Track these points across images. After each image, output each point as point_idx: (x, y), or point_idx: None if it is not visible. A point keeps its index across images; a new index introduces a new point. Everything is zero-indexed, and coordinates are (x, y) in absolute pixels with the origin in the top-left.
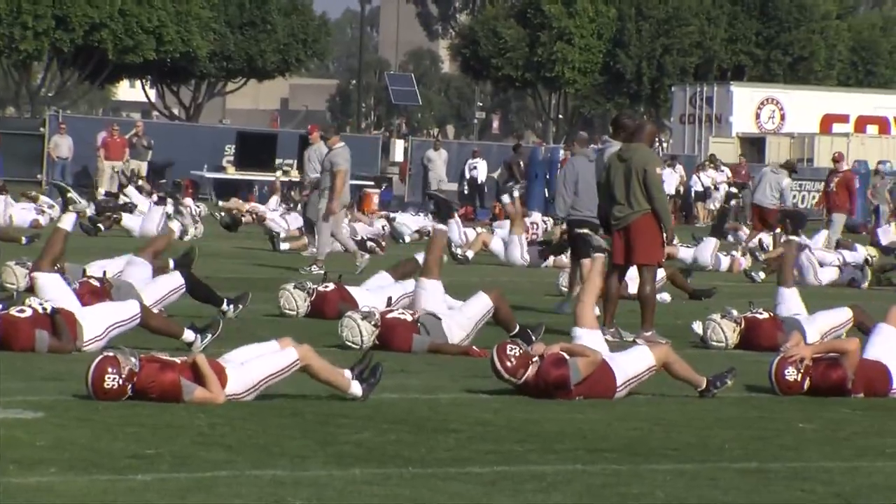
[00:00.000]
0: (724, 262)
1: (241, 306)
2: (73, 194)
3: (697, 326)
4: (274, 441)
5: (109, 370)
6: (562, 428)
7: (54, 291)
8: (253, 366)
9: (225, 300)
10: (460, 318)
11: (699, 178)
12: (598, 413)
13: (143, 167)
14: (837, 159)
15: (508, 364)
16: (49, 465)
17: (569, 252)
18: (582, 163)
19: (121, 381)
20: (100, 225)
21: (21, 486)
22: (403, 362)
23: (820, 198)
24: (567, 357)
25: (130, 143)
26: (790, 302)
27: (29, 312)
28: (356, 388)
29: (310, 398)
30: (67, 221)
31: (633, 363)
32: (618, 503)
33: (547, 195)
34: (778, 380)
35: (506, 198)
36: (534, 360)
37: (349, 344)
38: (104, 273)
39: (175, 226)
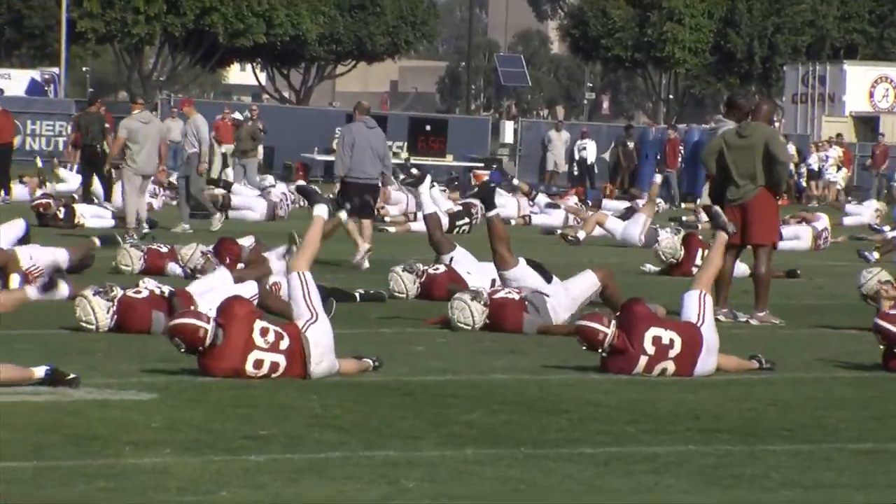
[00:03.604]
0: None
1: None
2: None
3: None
4: (386, 422)
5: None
6: (674, 408)
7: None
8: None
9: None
10: (565, 300)
11: (817, 156)
12: (711, 393)
13: (259, 151)
14: None
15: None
16: (164, 446)
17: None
18: None
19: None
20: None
21: (136, 466)
22: (513, 343)
23: None
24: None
25: (236, 125)
26: None
27: (146, 294)
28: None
29: (422, 379)
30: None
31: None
32: (731, 485)
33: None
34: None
35: (658, 177)
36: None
37: (460, 325)
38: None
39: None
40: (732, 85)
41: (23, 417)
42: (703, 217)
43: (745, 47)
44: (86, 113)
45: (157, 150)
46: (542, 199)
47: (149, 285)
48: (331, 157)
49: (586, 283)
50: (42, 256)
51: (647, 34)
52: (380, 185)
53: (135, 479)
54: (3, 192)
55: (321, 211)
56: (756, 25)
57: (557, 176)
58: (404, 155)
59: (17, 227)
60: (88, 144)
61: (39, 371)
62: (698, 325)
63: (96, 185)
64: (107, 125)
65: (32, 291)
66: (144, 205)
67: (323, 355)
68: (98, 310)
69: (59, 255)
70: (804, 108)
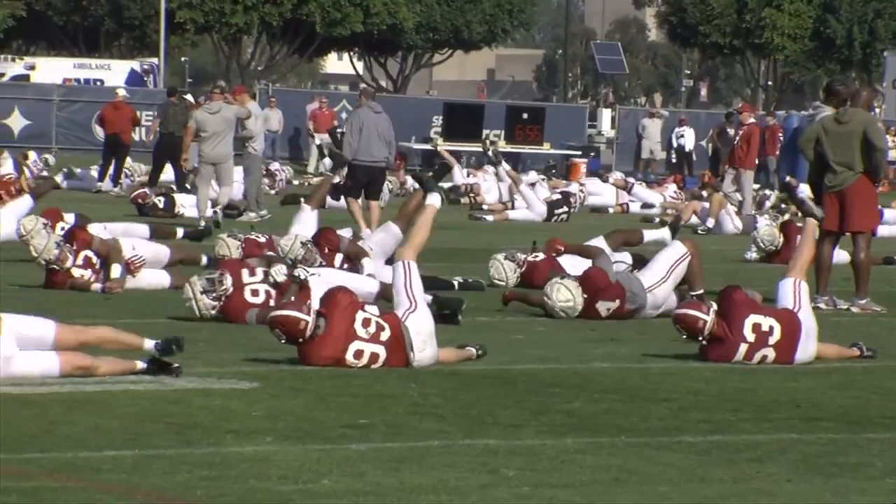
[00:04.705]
0: None
1: None
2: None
3: None
4: (486, 410)
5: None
6: (776, 397)
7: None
8: None
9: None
10: (654, 266)
11: None
12: (813, 381)
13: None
14: None
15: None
16: (264, 435)
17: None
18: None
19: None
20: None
21: (238, 455)
22: (613, 331)
23: None
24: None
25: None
26: None
27: (263, 297)
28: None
29: (522, 367)
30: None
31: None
32: (834, 473)
33: (757, 162)
34: None
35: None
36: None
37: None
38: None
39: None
40: (832, 71)
41: (124, 406)
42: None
43: (844, 33)
44: (168, 104)
45: (227, 138)
46: (639, 189)
47: (278, 274)
48: (428, 147)
49: (674, 251)
50: (144, 248)
51: (746, 20)
52: (385, 167)
53: (236, 467)
54: (111, 183)
55: (434, 200)
56: (856, 11)
57: (654, 164)
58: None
59: (24, 202)
60: (168, 133)
61: (141, 362)
62: (795, 310)
63: (168, 174)
64: (190, 115)
65: (149, 343)
66: (227, 192)
67: (425, 343)
68: (202, 307)
69: (161, 251)
70: None
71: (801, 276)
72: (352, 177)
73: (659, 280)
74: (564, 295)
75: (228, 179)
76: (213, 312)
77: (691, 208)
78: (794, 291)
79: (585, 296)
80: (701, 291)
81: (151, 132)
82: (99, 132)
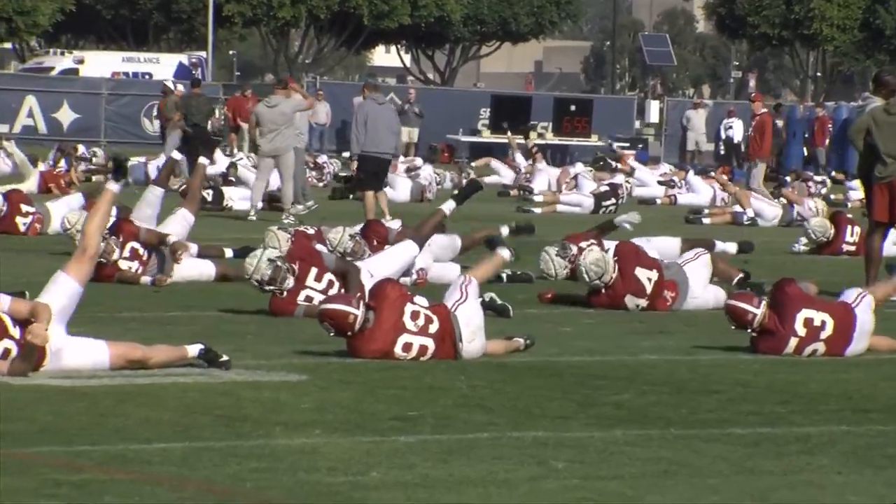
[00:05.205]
0: None
1: None
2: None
3: None
4: (534, 403)
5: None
6: (825, 389)
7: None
8: None
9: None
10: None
11: None
12: (864, 373)
13: (415, 134)
14: None
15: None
16: (313, 427)
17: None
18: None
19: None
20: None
21: (287, 447)
22: (661, 323)
23: None
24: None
25: (401, 111)
26: None
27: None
28: None
29: (570, 359)
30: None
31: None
32: (884, 465)
33: (806, 154)
34: None
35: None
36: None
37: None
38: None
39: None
40: (881, 62)
41: (173, 398)
42: (853, 195)
43: (893, 23)
44: (191, 96)
45: (285, 132)
46: (693, 178)
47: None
48: (476, 139)
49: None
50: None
51: (795, 11)
52: (392, 157)
53: (285, 459)
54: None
55: (504, 253)
56: None
57: (700, 155)
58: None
59: (75, 199)
60: (195, 124)
61: (193, 350)
62: (853, 305)
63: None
64: (214, 107)
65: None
66: (290, 185)
67: (474, 334)
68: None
69: (206, 269)
70: None
71: (874, 294)
72: (362, 169)
73: (690, 257)
74: (594, 256)
75: (288, 173)
76: (259, 283)
77: (746, 197)
78: (858, 293)
79: (619, 266)
80: (740, 276)
81: (173, 125)
82: (147, 125)
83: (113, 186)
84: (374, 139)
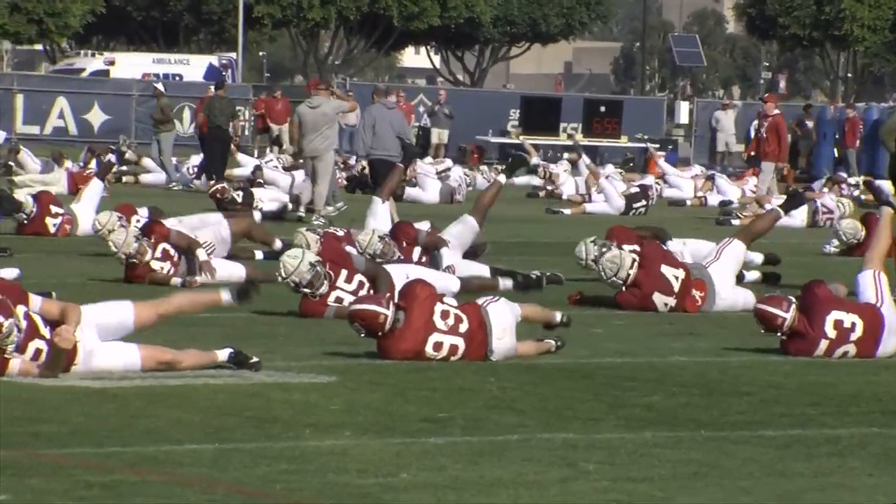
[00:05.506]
0: None
1: None
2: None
3: None
4: (565, 404)
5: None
6: (857, 390)
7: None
8: None
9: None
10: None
11: None
12: (893, 376)
13: (445, 136)
14: None
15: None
16: (343, 429)
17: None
18: None
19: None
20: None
21: (317, 449)
22: (691, 325)
23: None
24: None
25: (431, 112)
26: None
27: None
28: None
29: (600, 361)
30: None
31: None
32: None
33: (836, 155)
34: None
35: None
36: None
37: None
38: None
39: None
40: None
41: (204, 400)
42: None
43: None
44: (215, 97)
45: (326, 133)
46: (720, 181)
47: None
48: (505, 140)
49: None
50: (219, 248)
51: (825, 12)
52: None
53: (315, 461)
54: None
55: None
56: None
57: (730, 156)
58: (579, 136)
59: (94, 187)
60: (215, 126)
61: (223, 354)
62: (877, 305)
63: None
64: (238, 108)
65: (226, 296)
66: (323, 187)
67: (505, 331)
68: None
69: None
70: None
71: (880, 266)
72: (373, 172)
73: (712, 259)
74: (611, 253)
75: (324, 176)
76: (296, 285)
77: (767, 199)
78: (874, 284)
79: (643, 264)
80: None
81: (199, 125)
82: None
83: (225, 297)
84: (381, 142)
